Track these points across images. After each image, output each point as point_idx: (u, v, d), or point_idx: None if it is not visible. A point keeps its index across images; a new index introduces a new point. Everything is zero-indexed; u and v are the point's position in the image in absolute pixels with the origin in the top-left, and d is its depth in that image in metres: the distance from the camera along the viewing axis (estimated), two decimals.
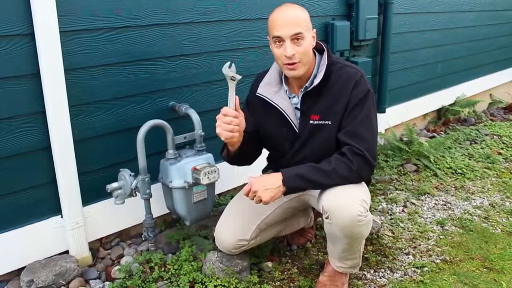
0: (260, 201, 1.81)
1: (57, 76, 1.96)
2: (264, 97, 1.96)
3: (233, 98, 1.78)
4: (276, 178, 1.82)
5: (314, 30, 1.85)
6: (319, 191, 1.89)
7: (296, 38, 1.77)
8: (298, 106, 1.93)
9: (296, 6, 1.83)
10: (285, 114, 1.94)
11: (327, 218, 1.82)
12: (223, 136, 1.79)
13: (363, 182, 1.91)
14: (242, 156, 1.99)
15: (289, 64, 1.80)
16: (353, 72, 1.87)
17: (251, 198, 1.84)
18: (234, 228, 2.04)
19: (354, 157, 1.80)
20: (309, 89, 1.87)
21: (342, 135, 1.85)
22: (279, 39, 1.78)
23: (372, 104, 1.87)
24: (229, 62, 1.76)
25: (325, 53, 1.89)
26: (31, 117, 1.98)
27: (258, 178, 1.85)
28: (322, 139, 1.90)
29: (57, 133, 2.01)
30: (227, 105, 1.78)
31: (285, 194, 1.84)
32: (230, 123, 1.76)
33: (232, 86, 1.78)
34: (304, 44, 1.78)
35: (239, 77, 1.77)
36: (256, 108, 2.03)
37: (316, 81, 1.84)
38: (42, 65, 1.92)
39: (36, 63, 1.93)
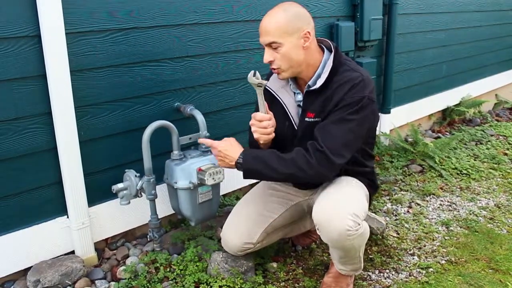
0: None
1: (63, 77, 1.97)
2: (270, 90, 1.96)
3: (263, 102, 1.86)
4: (236, 152, 1.85)
5: (305, 31, 1.76)
6: (320, 197, 1.87)
7: (271, 46, 1.76)
8: (301, 104, 1.93)
9: (277, 11, 1.77)
10: (287, 109, 1.94)
11: (317, 229, 1.82)
12: (262, 140, 1.87)
13: (362, 191, 1.90)
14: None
15: (272, 68, 1.82)
16: (355, 76, 1.80)
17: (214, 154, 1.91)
18: (240, 231, 2.04)
19: (314, 152, 1.75)
20: (311, 88, 1.85)
21: (315, 129, 1.81)
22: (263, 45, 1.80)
23: (360, 110, 1.76)
24: (253, 71, 1.83)
25: (332, 54, 1.85)
26: (38, 118, 1.99)
27: (226, 143, 1.89)
28: None
29: (63, 134, 2.02)
30: (257, 111, 1.88)
31: (244, 176, 1.84)
32: (267, 127, 1.85)
33: (260, 92, 1.85)
34: (282, 50, 1.75)
35: (265, 82, 1.86)
36: (267, 100, 2.01)
37: (319, 83, 1.82)
38: (49, 66, 1.93)
39: (43, 64, 1.94)
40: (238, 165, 1.84)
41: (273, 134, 1.89)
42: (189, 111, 2.36)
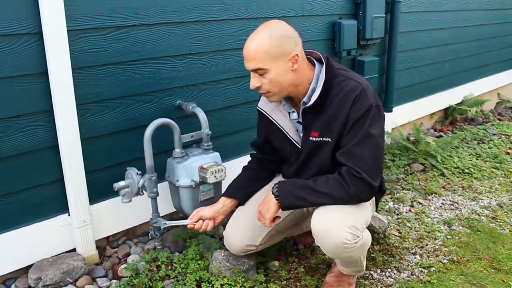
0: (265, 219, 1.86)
1: (65, 75, 1.97)
2: (264, 112, 1.94)
3: (183, 222, 2.07)
4: (271, 197, 1.84)
5: (293, 54, 1.68)
6: (319, 207, 1.83)
7: (257, 72, 1.70)
8: (300, 119, 1.87)
9: (261, 34, 1.68)
10: (284, 131, 1.91)
11: (315, 241, 1.80)
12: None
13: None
14: (260, 187, 2.13)
15: (261, 93, 1.78)
16: (354, 86, 1.73)
17: (261, 221, 1.89)
18: (243, 234, 2.02)
19: (351, 179, 1.69)
20: (307, 105, 1.78)
21: (339, 155, 1.75)
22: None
23: (375, 120, 1.72)
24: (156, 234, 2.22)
25: (324, 66, 1.77)
26: (39, 115, 1.98)
27: (261, 203, 1.91)
28: (323, 156, 1.83)
29: (64, 131, 2.02)
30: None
31: (282, 209, 1.84)
32: (200, 228, 2.01)
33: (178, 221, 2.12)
34: (269, 76, 1.68)
35: (168, 225, 2.17)
36: (262, 119, 2.01)
37: (314, 98, 1.75)
38: (50, 63, 1.92)
39: (44, 61, 1.93)
40: (279, 203, 1.83)
41: (225, 213, 2.05)
42: (191, 109, 2.35)
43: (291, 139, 1.91)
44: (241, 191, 2.09)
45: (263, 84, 1.72)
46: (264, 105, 1.95)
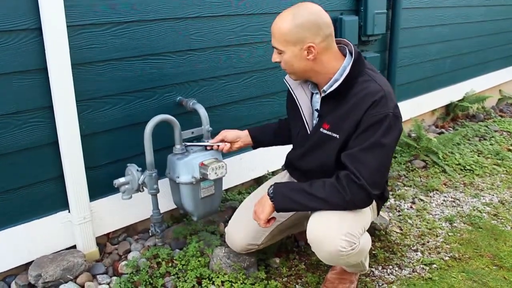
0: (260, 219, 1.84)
1: (64, 71, 1.95)
2: (288, 85, 1.93)
3: (207, 143, 2.20)
4: (266, 198, 1.82)
5: (308, 44, 1.67)
6: (315, 213, 1.80)
7: (276, 49, 1.75)
8: (318, 107, 1.85)
9: (287, 15, 1.69)
10: (301, 109, 1.88)
11: (312, 248, 1.77)
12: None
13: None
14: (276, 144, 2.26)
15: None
16: (375, 90, 1.67)
17: (256, 221, 1.87)
18: (245, 233, 2.02)
19: (349, 185, 1.65)
20: (326, 93, 1.75)
21: (344, 157, 1.71)
22: None
23: (389, 130, 1.66)
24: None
25: (352, 60, 1.72)
26: (39, 112, 1.97)
27: (256, 203, 1.89)
28: (327, 152, 1.79)
29: (64, 128, 2.01)
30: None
31: (277, 211, 1.82)
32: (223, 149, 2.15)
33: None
34: (284, 57, 1.72)
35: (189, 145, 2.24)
36: (288, 91, 1.98)
37: (331, 89, 1.72)
38: (50, 59, 1.91)
39: (44, 57, 1.92)
40: (273, 205, 1.80)
41: (240, 144, 2.17)
42: (191, 105, 2.34)
43: (304, 119, 1.88)
44: (260, 134, 2.21)
45: (281, 61, 1.76)
46: (289, 78, 1.91)
